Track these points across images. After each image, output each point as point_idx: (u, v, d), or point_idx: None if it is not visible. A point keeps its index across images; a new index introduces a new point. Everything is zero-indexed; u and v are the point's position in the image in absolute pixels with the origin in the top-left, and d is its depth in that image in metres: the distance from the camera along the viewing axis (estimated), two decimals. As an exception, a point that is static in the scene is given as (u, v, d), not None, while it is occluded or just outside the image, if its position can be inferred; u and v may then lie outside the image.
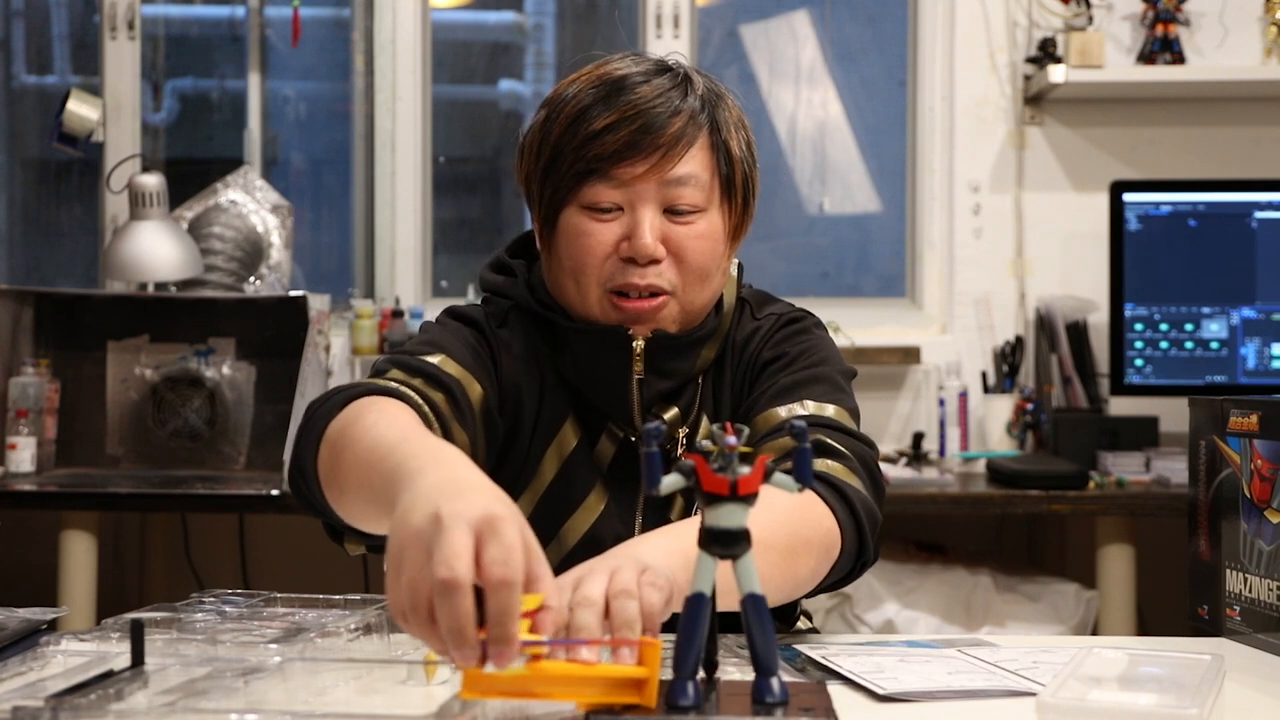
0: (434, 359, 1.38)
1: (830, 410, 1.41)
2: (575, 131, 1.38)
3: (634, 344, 1.41)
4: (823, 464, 1.34)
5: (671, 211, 1.39)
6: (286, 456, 2.79)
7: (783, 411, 1.39)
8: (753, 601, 1.01)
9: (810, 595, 1.35)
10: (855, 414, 1.45)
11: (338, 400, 1.27)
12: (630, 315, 1.40)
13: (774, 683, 1.01)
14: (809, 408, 1.41)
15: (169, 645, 1.14)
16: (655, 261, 1.39)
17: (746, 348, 1.49)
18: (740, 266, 1.55)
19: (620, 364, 1.42)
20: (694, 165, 1.39)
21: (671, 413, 1.45)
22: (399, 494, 0.99)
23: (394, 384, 1.32)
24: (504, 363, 1.45)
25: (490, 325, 1.46)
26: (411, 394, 1.31)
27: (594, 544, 1.41)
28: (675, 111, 1.38)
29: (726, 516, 1.00)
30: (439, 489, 0.95)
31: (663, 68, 1.43)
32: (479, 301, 1.55)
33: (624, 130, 1.37)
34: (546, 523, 1.44)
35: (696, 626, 1.00)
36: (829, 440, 1.36)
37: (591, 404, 1.46)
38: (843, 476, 1.34)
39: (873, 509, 1.35)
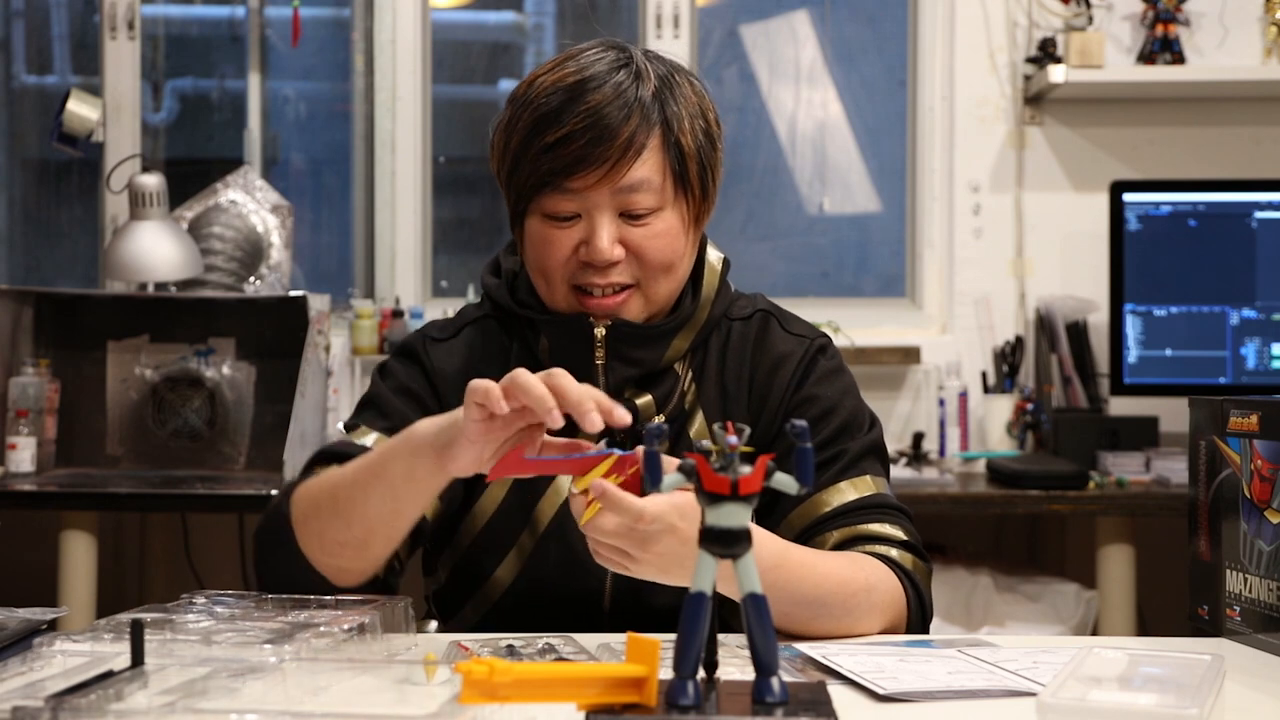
0: (359, 438, 1.49)
1: (884, 488, 1.52)
2: (531, 143, 1.43)
3: (595, 331, 1.47)
4: (905, 556, 1.46)
5: (627, 215, 1.44)
6: (286, 457, 2.79)
7: (848, 489, 1.48)
8: (753, 601, 1.01)
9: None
10: (889, 479, 1.56)
11: (285, 491, 1.42)
12: (595, 311, 1.47)
13: (774, 682, 1.01)
14: (875, 485, 1.50)
15: (162, 646, 1.13)
16: (614, 264, 1.45)
17: (780, 367, 1.54)
18: (726, 262, 1.59)
19: (584, 351, 1.48)
20: (646, 170, 1.43)
21: (645, 399, 1.50)
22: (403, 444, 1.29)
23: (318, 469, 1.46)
24: (443, 373, 1.54)
25: (426, 346, 1.55)
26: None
27: (566, 524, 1.46)
28: (626, 116, 1.42)
29: (727, 516, 1.00)
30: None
31: (617, 64, 1.45)
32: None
33: (575, 144, 1.41)
34: (517, 508, 1.46)
35: (696, 626, 1.00)
36: (899, 532, 1.47)
37: None
38: (910, 568, 1.46)
39: (929, 587, 1.48)
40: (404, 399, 1.52)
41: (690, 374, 1.54)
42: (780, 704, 1.00)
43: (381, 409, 1.52)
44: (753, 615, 1.01)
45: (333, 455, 1.46)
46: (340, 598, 1.33)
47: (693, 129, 1.47)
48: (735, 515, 1.00)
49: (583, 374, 1.45)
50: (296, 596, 1.33)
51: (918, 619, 1.44)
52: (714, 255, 1.58)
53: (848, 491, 1.48)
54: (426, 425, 1.29)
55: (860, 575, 1.39)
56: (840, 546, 1.45)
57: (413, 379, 1.54)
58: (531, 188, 1.44)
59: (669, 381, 1.52)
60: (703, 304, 1.53)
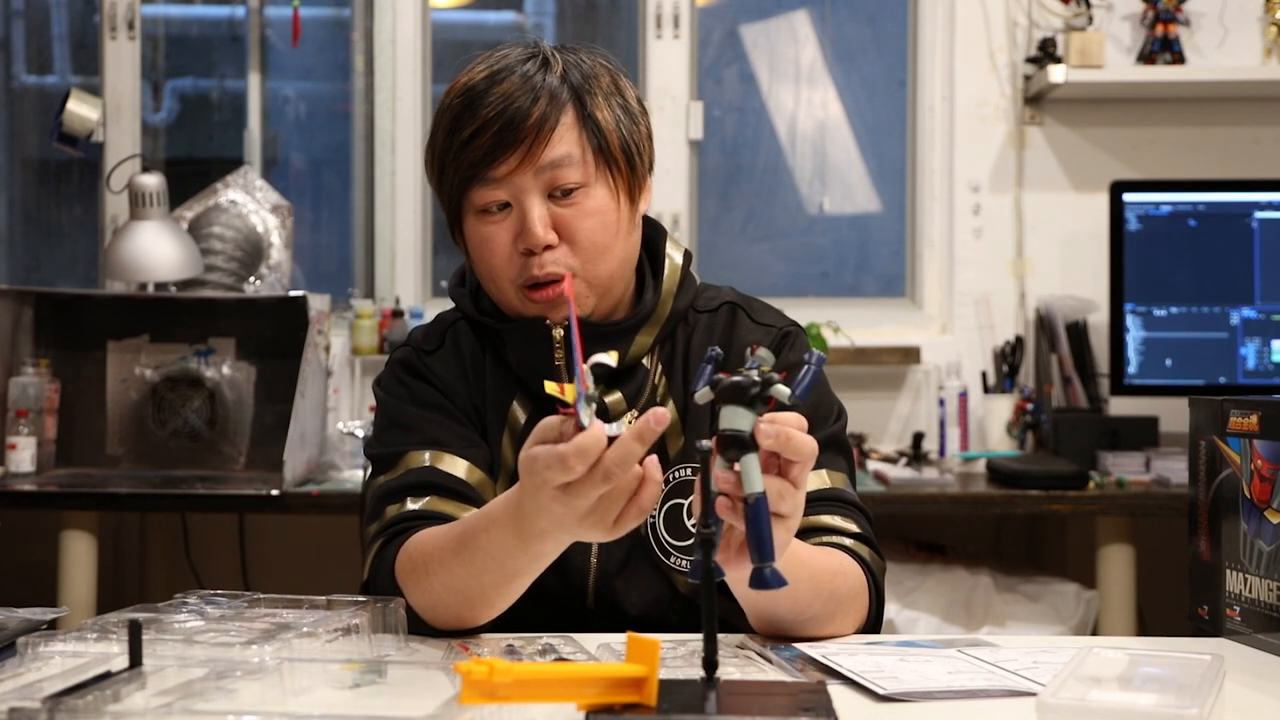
0: (409, 466, 1.47)
1: (843, 483, 1.50)
2: (450, 144, 1.46)
3: (553, 333, 1.48)
4: (861, 547, 1.45)
5: (556, 194, 1.45)
6: (286, 457, 2.79)
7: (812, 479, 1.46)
8: (756, 499, 1.08)
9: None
10: (853, 473, 1.55)
11: (386, 568, 1.41)
12: (542, 303, 1.47)
13: (766, 572, 1.08)
14: (833, 480, 1.48)
15: (149, 646, 1.13)
16: (550, 247, 1.45)
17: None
18: (688, 255, 1.58)
19: (544, 354, 1.48)
20: (564, 145, 1.44)
21: (614, 397, 1.49)
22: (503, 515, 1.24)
23: (400, 521, 1.44)
24: (446, 382, 1.54)
25: (424, 360, 1.55)
26: (418, 519, 1.43)
27: None
28: (535, 99, 1.44)
29: (731, 418, 1.10)
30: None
31: (525, 56, 1.48)
32: None
33: (488, 133, 1.43)
34: None
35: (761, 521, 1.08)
36: (852, 524, 1.46)
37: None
38: (868, 559, 1.45)
39: (883, 581, 1.48)
40: (427, 410, 1.51)
41: (660, 368, 1.53)
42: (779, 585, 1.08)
43: (407, 424, 1.51)
44: (751, 512, 1.08)
45: (397, 492, 1.46)
46: (333, 598, 1.32)
47: (608, 104, 1.48)
48: (739, 418, 1.09)
49: (546, 377, 1.44)
50: (289, 597, 1.32)
51: (876, 610, 1.44)
52: (674, 251, 1.57)
53: (833, 479, 1.48)
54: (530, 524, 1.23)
55: (835, 561, 1.39)
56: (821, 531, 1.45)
57: (428, 394, 1.53)
58: (459, 186, 1.46)
59: (638, 378, 1.52)
60: (664, 299, 1.53)
